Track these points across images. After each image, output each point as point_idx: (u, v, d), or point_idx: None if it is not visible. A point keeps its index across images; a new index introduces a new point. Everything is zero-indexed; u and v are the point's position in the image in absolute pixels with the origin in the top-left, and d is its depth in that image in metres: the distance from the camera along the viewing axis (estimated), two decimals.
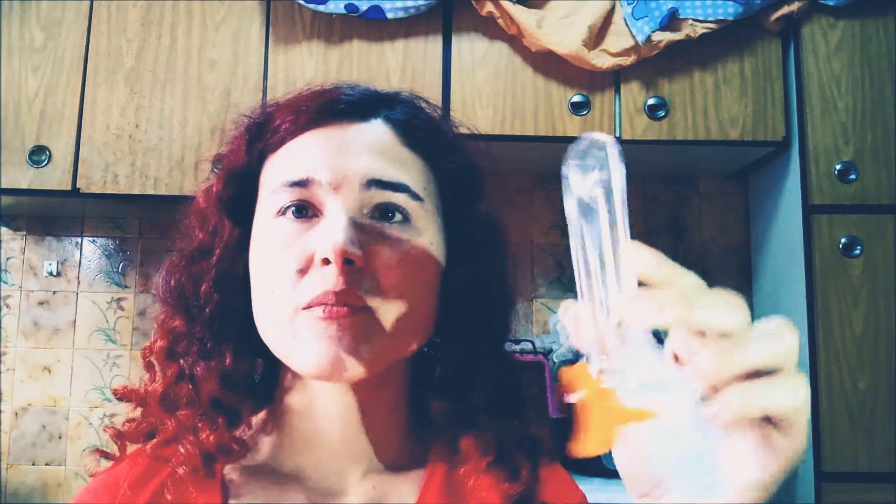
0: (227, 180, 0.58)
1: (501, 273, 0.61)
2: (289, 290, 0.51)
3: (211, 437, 0.54)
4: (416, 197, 0.54)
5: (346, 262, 0.50)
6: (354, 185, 0.53)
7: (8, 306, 1.75)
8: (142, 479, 0.56)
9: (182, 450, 0.54)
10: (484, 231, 0.60)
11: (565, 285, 1.75)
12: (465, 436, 0.57)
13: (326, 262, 0.50)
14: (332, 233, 0.50)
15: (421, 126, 0.58)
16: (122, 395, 0.60)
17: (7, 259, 1.76)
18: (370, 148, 0.55)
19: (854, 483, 1.32)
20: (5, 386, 1.72)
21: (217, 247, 0.57)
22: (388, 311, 0.52)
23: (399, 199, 0.54)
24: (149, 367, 0.59)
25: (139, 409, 0.59)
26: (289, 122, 0.56)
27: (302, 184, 0.53)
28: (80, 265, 1.76)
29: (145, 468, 0.56)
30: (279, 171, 0.55)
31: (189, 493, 0.54)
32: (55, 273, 1.75)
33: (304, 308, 0.51)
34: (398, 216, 0.54)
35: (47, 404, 1.72)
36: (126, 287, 1.76)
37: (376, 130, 0.56)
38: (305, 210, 0.53)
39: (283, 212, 0.53)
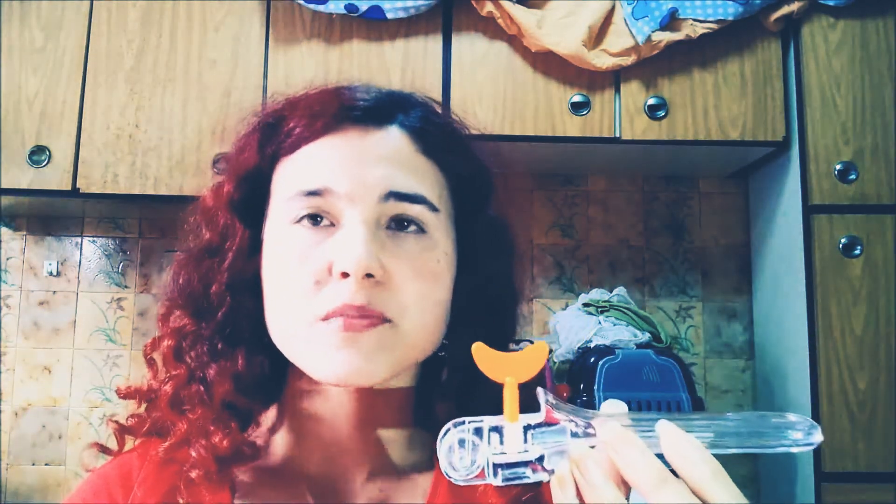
0: (238, 182, 0.57)
1: (509, 274, 0.61)
2: (306, 300, 0.51)
3: (224, 442, 0.52)
4: (432, 208, 0.54)
5: (366, 276, 0.49)
6: (372, 197, 0.52)
7: (8, 306, 1.75)
8: (154, 482, 0.55)
9: (194, 454, 0.52)
10: (492, 235, 0.60)
11: (565, 285, 1.75)
12: None
13: (345, 275, 0.49)
14: (351, 247, 0.49)
15: (435, 132, 0.58)
16: (126, 395, 0.59)
17: (7, 259, 1.76)
18: (387, 158, 0.54)
19: (854, 483, 1.32)
20: (5, 386, 1.72)
21: (229, 250, 0.56)
22: (407, 323, 0.52)
23: (416, 210, 0.53)
24: (150, 363, 0.58)
25: (142, 406, 0.58)
26: (303, 125, 0.55)
27: (318, 193, 0.52)
28: (80, 265, 1.76)
29: (157, 471, 0.55)
30: (294, 178, 0.54)
31: (203, 496, 0.53)
32: (55, 273, 1.75)
33: (323, 319, 0.50)
34: (413, 227, 0.53)
35: (47, 404, 1.72)
36: (126, 287, 1.76)
37: (393, 138, 0.55)
38: (321, 218, 0.53)
39: (298, 220, 0.53)
